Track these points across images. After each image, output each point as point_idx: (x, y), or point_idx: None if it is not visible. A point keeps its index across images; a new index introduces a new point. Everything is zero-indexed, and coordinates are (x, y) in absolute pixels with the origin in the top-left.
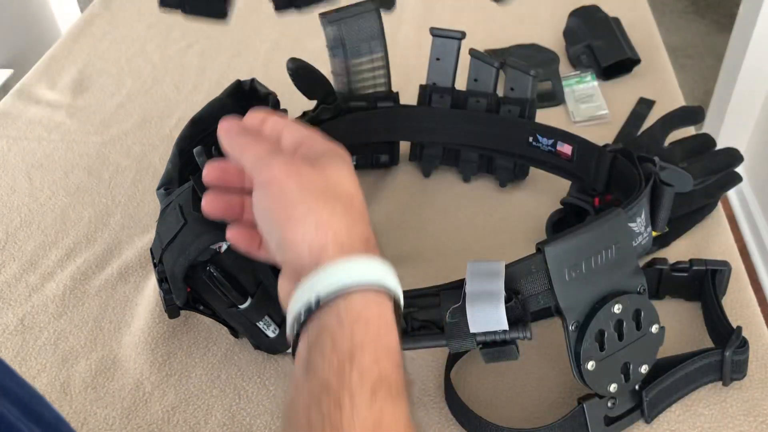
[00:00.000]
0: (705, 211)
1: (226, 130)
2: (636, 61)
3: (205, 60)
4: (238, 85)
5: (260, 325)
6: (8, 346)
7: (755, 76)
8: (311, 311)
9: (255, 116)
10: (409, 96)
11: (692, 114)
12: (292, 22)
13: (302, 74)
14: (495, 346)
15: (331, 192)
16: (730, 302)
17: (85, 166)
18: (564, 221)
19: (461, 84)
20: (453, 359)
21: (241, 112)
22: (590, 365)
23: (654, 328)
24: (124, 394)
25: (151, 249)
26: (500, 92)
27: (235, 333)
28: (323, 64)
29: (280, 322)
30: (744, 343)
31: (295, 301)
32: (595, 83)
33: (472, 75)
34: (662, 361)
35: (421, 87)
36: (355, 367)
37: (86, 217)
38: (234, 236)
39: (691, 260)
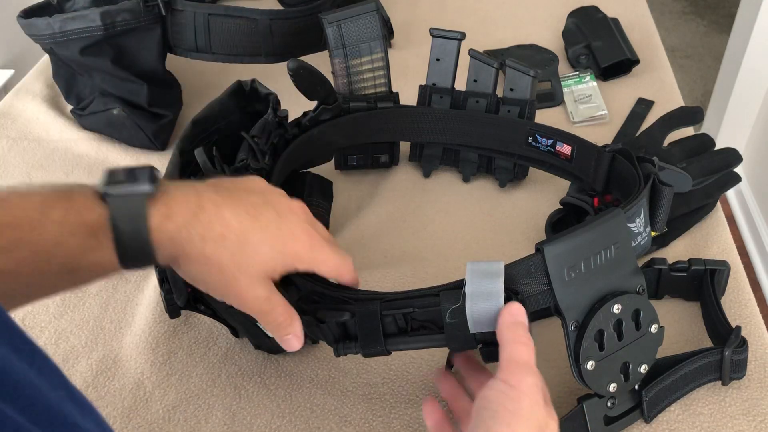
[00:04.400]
0: (704, 211)
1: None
2: (635, 62)
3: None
4: (239, 85)
5: (260, 324)
6: None
7: (754, 77)
8: None
9: None
10: (409, 96)
11: (691, 114)
12: None
13: (302, 75)
14: (495, 346)
15: None
16: (729, 302)
17: (85, 166)
18: (563, 221)
19: (461, 84)
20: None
21: (242, 112)
22: (590, 365)
23: (653, 328)
24: (124, 393)
25: None
26: (500, 93)
27: (235, 332)
28: (324, 65)
29: None
30: (743, 343)
31: None
32: (594, 83)
33: (471, 75)
34: (661, 361)
35: (421, 87)
36: None
37: None
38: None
39: (690, 260)
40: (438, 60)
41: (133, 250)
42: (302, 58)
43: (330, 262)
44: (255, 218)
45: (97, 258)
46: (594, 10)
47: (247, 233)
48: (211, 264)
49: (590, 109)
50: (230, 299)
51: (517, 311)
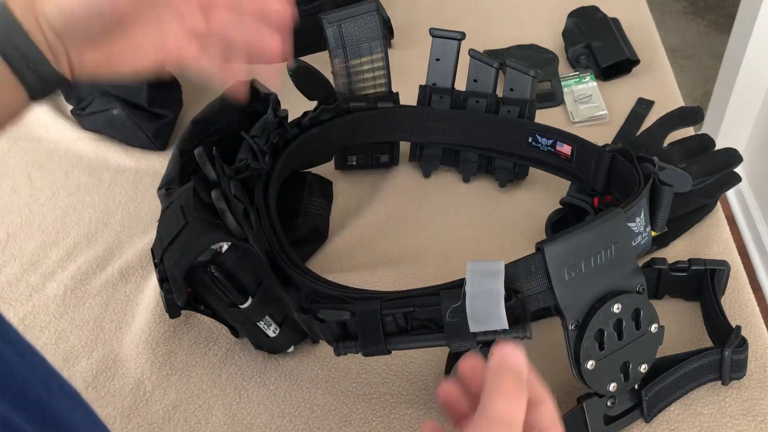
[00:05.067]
0: (704, 211)
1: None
2: (635, 62)
3: None
4: None
5: (261, 324)
6: None
7: (754, 77)
8: None
9: None
10: (409, 96)
11: (691, 114)
12: None
13: (302, 75)
14: None
15: None
16: (729, 302)
17: (86, 166)
18: (563, 221)
19: (461, 84)
20: (453, 359)
21: (242, 112)
22: (590, 364)
23: (653, 328)
24: (124, 393)
25: (152, 249)
26: (500, 93)
27: (235, 333)
28: (324, 65)
29: (281, 322)
30: (743, 343)
31: None
32: (594, 83)
33: (471, 75)
34: (661, 361)
35: (421, 87)
36: None
37: (87, 216)
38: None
39: (690, 260)
40: (438, 60)
41: None
42: (302, 58)
43: None
44: None
45: None
46: (594, 10)
47: None
48: None
49: (590, 109)
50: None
51: (510, 355)
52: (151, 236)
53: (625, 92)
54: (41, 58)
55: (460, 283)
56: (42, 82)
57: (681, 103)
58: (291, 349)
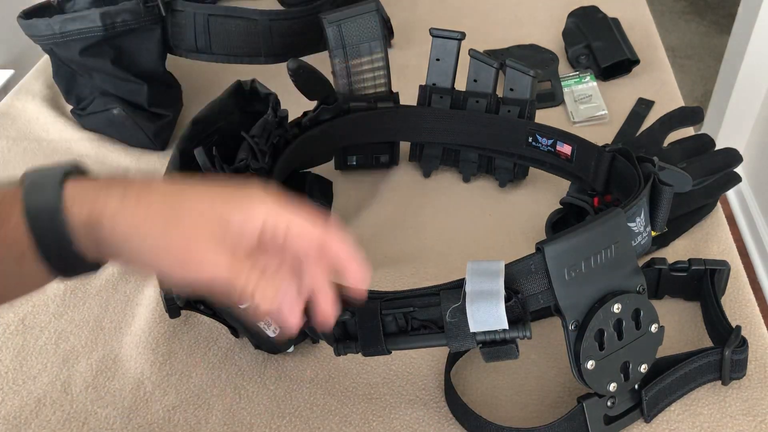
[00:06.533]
0: (704, 211)
1: None
2: (635, 62)
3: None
4: (239, 85)
5: (261, 324)
6: (9, 346)
7: (754, 77)
8: None
9: None
10: (409, 96)
11: (691, 114)
12: None
13: (302, 75)
14: (495, 346)
15: None
16: (729, 302)
17: None
18: (563, 221)
19: (461, 84)
20: (453, 359)
21: (242, 112)
22: (590, 364)
23: (653, 328)
24: (124, 393)
25: None
26: (500, 93)
27: (235, 333)
28: (324, 65)
29: None
30: (743, 343)
31: None
32: (594, 83)
33: (471, 75)
34: (661, 361)
35: (421, 87)
36: None
37: None
38: None
39: (690, 260)
40: (438, 60)
41: (41, 206)
42: (302, 58)
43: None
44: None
45: (6, 231)
46: (594, 10)
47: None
48: (138, 214)
49: (590, 109)
50: (185, 264)
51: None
52: None
53: (625, 92)
54: (65, 227)
55: (460, 283)
56: (66, 263)
57: (681, 103)
58: (291, 349)
